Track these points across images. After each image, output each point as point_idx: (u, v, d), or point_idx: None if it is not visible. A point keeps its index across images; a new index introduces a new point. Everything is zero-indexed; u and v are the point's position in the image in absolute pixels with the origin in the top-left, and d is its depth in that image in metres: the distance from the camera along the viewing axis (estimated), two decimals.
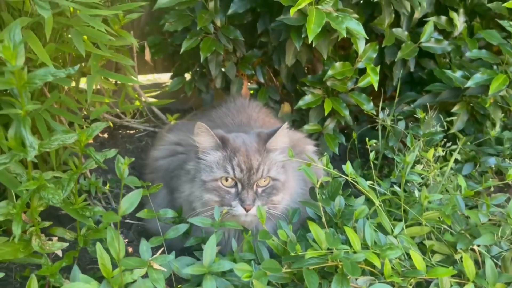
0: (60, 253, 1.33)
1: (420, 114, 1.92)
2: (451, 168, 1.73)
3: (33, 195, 1.19)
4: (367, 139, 1.67)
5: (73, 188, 1.23)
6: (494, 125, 2.04)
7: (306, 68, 2.28)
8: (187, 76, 2.42)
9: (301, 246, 1.25)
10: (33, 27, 1.55)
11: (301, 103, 2.03)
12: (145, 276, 1.18)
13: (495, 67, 2.00)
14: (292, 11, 1.69)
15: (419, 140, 1.87)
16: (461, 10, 2.14)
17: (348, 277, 1.18)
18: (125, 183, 1.18)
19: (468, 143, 2.02)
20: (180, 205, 1.57)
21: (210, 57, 2.09)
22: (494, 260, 1.33)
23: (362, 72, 2.03)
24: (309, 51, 2.05)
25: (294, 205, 1.55)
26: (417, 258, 1.22)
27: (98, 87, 2.19)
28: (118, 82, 2.17)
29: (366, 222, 1.31)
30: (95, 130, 1.24)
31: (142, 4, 1.78)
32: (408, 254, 1.29)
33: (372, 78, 1.92)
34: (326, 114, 2.01)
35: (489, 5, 2.11)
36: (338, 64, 1.98)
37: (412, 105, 2.14)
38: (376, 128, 2.05)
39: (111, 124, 2.37)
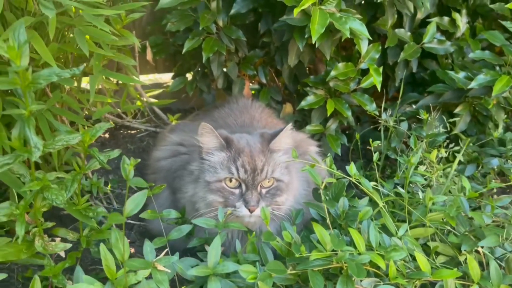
0: (62, 254, 1.32)
1: (423, 115, 1.92)
2: (454, 169, 1.73)
3: (36, 195, 1.19)
4: (370, 140, 1.67)
5: (76, 189, 1.23)
6: (497, 126, 2.04)
7: (308, 69, 2.28)
8: (189, 76, 2.42)
9: (305, 247, 1.24)
10: (36, 27, 1.54)
11: (303, 103, 2.03)
12: (149, 277, 1.17)
13: (497, 68, 2.00)
14: (296, 11, 1.68)
15: (422, 141, 1.87)
16: (464, 11, 2.14)
17: (353, 278, 1.17)
18: (131, 185, 1.17)
19: (471, 144, 2.02)
20: (183, 205, 1.57)
21: (212, 57, 2.09)
22: (498, 261, 1.33)
23: (364, 72, 2.03)
24: (311, 51, 2.05)
25: (297, 206, 1.54)
26: (422, 259, 1.22)
27: (100, 87, 2.18)
28: (120, 82, 2.17)
29: (371, 223, 1.31)
30: (98, 130, 1.24)
31: (145, 4, 1.77)
32: (412, 256, 1.29)
33: (375, 79, 1.91)
34: (328, 114, 2.00)
35: (491, 6, 2.11)
36: (341, 65, 1.97)
37: (414, 106, 2.13)
38: (378, 128, 2.05)
39: (113, 124, 2.36)
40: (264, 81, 2.26)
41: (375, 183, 1.51)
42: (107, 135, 2.43)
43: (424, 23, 2.13)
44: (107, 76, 1.79)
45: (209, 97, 2.46)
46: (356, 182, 1.42)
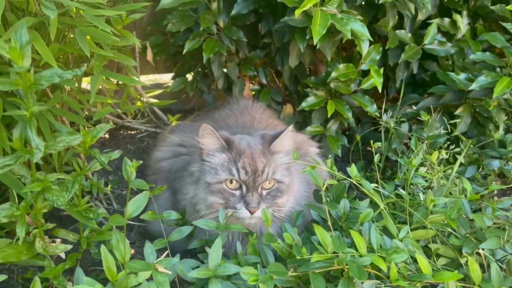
0: (63, 255, 1.32)
1: (424, 117, 1.92)
2: (455, 171, 1.73)
3: (37, 197, 1.18)
4: (371, 141, 1.67)
5: (77, 190, 1.22)
6: (497, 127, 2.04)
7: (308, 70, 2.28)
8: (189, 76, 2.41)
9: (306, 249, 1.24)
10: (37, 27, 1.54)
11: (304, 104, 2.02)
12: (150, 279, 1.17)
13: (498, 69, 2.00)
14: (297, 12, 1.68)
15: (422, 142, 1.87)
16: (465, 12, 2.14)
17: (354, 280, 1.18)
18: (132, 186, 1.17)
19: (471, 145, 2.02)
20: (183, 206, 1.56)
21: (212, 58, 2.09)
22: (499, 263, 1.33)
23: (365, 74, 2.03)
24: (312, 52, 2.05)
25: (298, 208, 1.54)
26: (423, 262, 1.21)
27: (100, 87, 2.17)
28: (120, 82, 2.16)
29: (372, 225, 1.31)
30: (99, 131, 1.23)
31: (145, 4, 1.77)
32: (413, 258, 1.29)
33: (376, 80, 1.91)
34: (329, 116, 2.00)
35: (492, 7, 2.10)
36: (341, 66, 1.97)
37: (415, 107, 2.13)
38: (379, 130, 2.05)
39: (113, 125, 2.35)
40: (264, 82, 2.26)
41: (376, 185, 1.51)
42: (107, 136, 2.43)
43: (425, 24, 2.13)
44: (108, 77, 1.78)
45: (210, 97, 2.46)
46: (357, 184, 1.42)
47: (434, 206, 1.43)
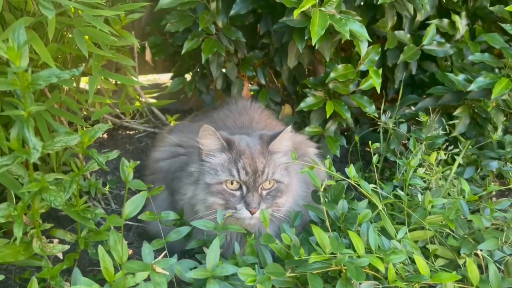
0: (60, 255, 1.32)
1: (422, 117, 1.92)
2: (453, 172, 1.73)
3: (34, 197, 1.18)
4: (369, 142, 1.67)
5: (74, 190, 1.22)
6: (496, 128, 2.04)
7: (307, 70, 2.28)
8: (188, 76, 2.41)
9: (304, 250, 1.24)
10: (35, 27, 1.53)
11: (302, 105, 2.02)
12: (148, 279, 1.16)
13: (497, 70, 2.00)
14: (296, 13, 1.68)
15: (421, 143, 1.87)
16: (463, 13, 2.14)
17: (352, 281, 1.17)
18: (130, 187, 1.17)
19: (470, 146, 2.02)
20: (181, 207, 1.56)
21: (211, 58, 2.08)
22: (497, 265, 1.33)
23: (364, 74, 2.03)
24: (311, 53, 2.05)
25: (296, 208, 1.54)
26: (421, 263, 1.21)
27: (99, 87, 2.17)
28: (119, 82, 2.16)
29: (370, 226, 1.31)
30: (97, 131, 1.23)
31: (144, 4, 1.76)
32: (411, 259, 1.29)
33: (375, 81, 1.91)
34: (327, 116, 2.00)
35: (491, 8, 2.10)
36: (340, 67, 1.97)
37: (414, 108, 2.13)
38: (378, 130, 2.05)
39: (112, 125, 2.35)
40: (263, 82, 2.26)
41: (374, 186, 1.51)
42: (105, 136, 2.43)
43: (424, 25, 2.13)
44: (106, 77, 1.78)
45: (208, 98, 2.46)
46: (355, 184, 1.42)
47: (432, 207, 1.43)
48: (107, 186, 1.99)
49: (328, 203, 1.45)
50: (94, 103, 2.06)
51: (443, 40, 2.12)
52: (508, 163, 1.98)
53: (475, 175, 1.97)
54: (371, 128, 2.22)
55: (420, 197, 1.59)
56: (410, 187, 1.69)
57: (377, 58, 1.99)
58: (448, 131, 2.02)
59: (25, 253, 1.22)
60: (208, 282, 1.21)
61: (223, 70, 2.21)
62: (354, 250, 1.22)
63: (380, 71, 1.95)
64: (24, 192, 1.16)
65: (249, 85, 2.33)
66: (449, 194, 1.67)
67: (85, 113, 2.07)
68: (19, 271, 1.47)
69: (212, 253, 1.24)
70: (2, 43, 1.02)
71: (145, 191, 1.18)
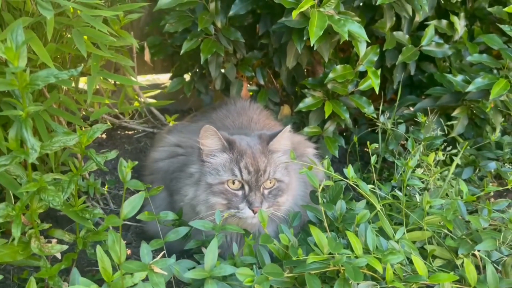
0: (59, 255, 1.32)
1: (421, 118, 1.92)
2: (451, 172, 1.73)
3: (33, 197, 1.18)
4: (368, 142, 1.67)
5: (73, 190, 1.22)
6: (494, 129, 2.05)
7: (306, 71, 2.28)
8: (187, 77, 2.41)
9: (302, 250, 1.25)
10: (33, 27, 1.53)
11: (301, 105, 2.03)
12: (146, 279, 1.17)
13: (495, 71, 2.01)
14: (294, 13, 1.68)
15: (419, 144, 1.87)
16: (462, 14, 2.14)
17: (350, 282, 1.17)
18: (128, 187, 1.17)
19: (468, 147, 2.02)
20: (180, 207, 1.56)
21: (210, 59, 2.09)
22: (495, 265, 1.33)
23: (362, 75, 2.03)
24: (309, 53, 2.05)
25: (295, 208, 1.55)
26: (419, 263, 1.21)
27: (97, 87, 2.17)
28: (117, 82, 2.16)
29: (368, 226, 1.31)
30: (96, 132, 1.23)
31: (143, 4, 1.77)
32: (409, 259, 1.29)
33: (373, 82, 1.91)
34: (326, 117, 2.00)
35: (489, 9, 2.11)
36: (339, 67, 1.97)
37: (412, 109, 2.14)
38: (376, 131, 2.05)
39: (110, 125, 2.35)
40: (262, 82, 2.26)
41: (372, 186, 1.51)
42: (104, 136, 2.43)
43: (423, 26, 2.13)
44: (105, 77, 1.78)
45: (207, 98, 2.46)
46: (353, 185, 1.42)
47: (430, 207, 1.43)
48: (106, 186, 1.99)
49: (327, 204, 1.46)
50: (92, 103, 2.06)
51: (441, 41, 2.12)
52: (506, 164, 1.99)
53: (473, 176, 1.97)
54: (369, 129, 2.22)
55: (418, 197, 1.59)
56: (408, 187, 1.70)
57: (375, 58, 2.00)
58: (446, 132, 2.03)
59: (23, 253, 1.22)
60: (206, 282, 1.21)
61: (222, 70, 2.21)
62: (352, 251, 1.22)
63: (379, 71, 1.95)
64: (22, 192, 1.16)
65: (248, 85, 2.33)
66: (447, 195, 1.67)
67: (83, 113, 2.07)
68: (17, 271, 1.47)
69: (211, 253, 1.24)
70: (0, 43, 1.02)
71: (143, 191, 1.18)
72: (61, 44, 1.64)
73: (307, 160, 1.58)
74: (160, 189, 1.42)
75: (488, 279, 1.25)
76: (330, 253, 1.21)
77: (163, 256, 1.30)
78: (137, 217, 1.41)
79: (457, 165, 1.94)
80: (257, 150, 1.47)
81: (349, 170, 1.43)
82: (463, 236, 1.41)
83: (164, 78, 2.96)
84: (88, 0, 1.46)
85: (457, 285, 1.25)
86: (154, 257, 1.23)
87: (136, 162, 1.18)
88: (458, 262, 1.36)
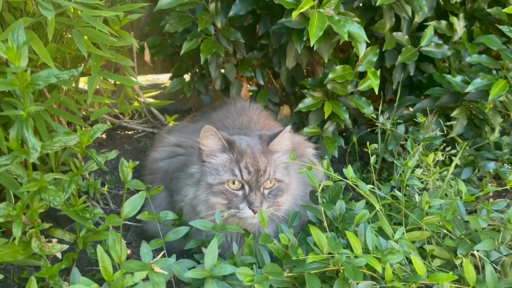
0: (59, 255, 1.32)
1: (420, 118, 1.93)
2: (450, 173, 1.74)
3: (33, 196, 1.18)
4: (367, 143, 1.67)
5: (73, 190, 1.23)
6: (493, 130, 2.05)
7: (305, 71, 2.29)
8: (187, 77, 2.42)
9: (302, 250, 1.25)
10: (34, 27, 1.54)
11: (301, 106, 2.03)
12: (146, 279, 1.17)
13: (494, 72, 2.01)
14: (294, 14, 1.69)
15: (419, 144, 1.88)
16: (461, 15, 2.15)
17: (350, 281, 1.18)
18: (129, 187, 1.17)
19: (467, 147, 2.03)
20: (180, 207, 1.56)
21: (210, 59, 2.09)
22: (494, 265, 1.33)
23: (362, 75, 2.04)
24: (309, 54, 2.06)
25: (295, 208, 1.55)
26: (418, 263, 1.22)
27: (97, 87, 2.18)
28: (117, 82, 2.17)
29: (368, 226, 1.31)
30: (96, 132, 1.23)
31: (143, 5, 1.77)
32: (408, 259, 1.30)
33: (373, 82, 1.92)
34: (326, 117, 2.01)
35: (489, 10, 2.11)
36: (339, 68, 1.98)
37: (411, 109, 2.14)
38: (376, 131, 2.06)
39: (110, 125, 2.36)
40: (262, 83, 2.26)
41: (372, 186, 1.51)
42: (104, 136, 2.43)
43: (422, 26, 2.14)
44: (105, 77, 1.78)
45: (207, 98, 2.46)
46: (353, 185, 1.43)
47: (429, 207, 1.43)
48: (106, 186, 1.99)
49: (326, 204, 1.46)
50: (93, 103, 2.06)
51: (441, 42, 2.13)
52: (505, 164, 1.99)
53: (472, 176, 1.98)
54: (369, 129, 2.23)
55: (417, 197, 1.59)
56: (407, 187, 1.70)
57: (375, 59, 2.00)
58: (445, 132, 2.03)
59: (24, 252, 1.22)
60: (206, 282, 1.21)
61: (222, 70, 2.21)
62: (352, 250, 1.22)
63: (378, 72, 1.96)
64: (23, 192, 1.16)
65: (248, 85, 2.34)
66: (446, 195, 1.68)
67: (84, 113, 2.07)
68: (18, 270, 1.48)
69: (210, 253, 1.24)
70: (1, 43, 1.02)
71: (143, 191, 1.18)
72: (61, 44, 1.65)
73: (306, 160, 1.58)
74: (160, 189, 1.42)
75: (487, 279, 1.26)
76: (329, 253, 1.21)
77: (163, 255, 1.31)
78: (137, 217, 1.42)
79: (456, 165, 1.95)
80: (257, 150, 1.48)
81: (349, 170, 1.43)
82: (462, 236, 1.42)
83: (164, 78, 2.97)
84: (89, 1, 1.47)
85: (456, 285, 1.26)
86: (154, 257, 1.23)
87: (137, 162, 1.19)
88: (457, 262, 1.36)
